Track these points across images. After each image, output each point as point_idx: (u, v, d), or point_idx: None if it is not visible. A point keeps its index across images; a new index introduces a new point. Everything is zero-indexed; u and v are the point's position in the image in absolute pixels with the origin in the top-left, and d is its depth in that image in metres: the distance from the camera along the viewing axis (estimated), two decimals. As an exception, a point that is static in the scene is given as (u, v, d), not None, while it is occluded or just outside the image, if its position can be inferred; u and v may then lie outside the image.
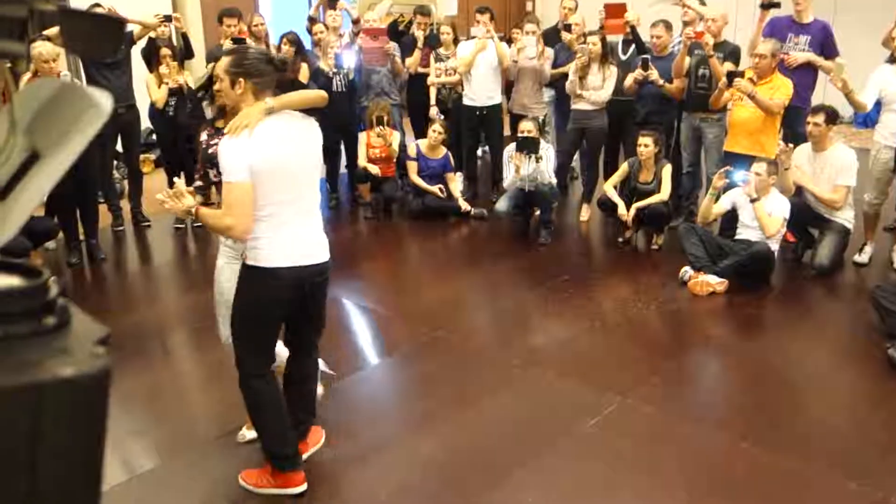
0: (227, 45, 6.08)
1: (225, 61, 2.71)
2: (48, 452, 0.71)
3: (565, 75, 6.41)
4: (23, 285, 0.77)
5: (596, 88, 6.15)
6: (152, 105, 6.08)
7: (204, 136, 3.11)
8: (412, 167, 6.61)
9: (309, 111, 2.85)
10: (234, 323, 2.86)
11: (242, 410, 3.52)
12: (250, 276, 2.74)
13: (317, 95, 3.00)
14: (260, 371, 2.88)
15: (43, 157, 0.81)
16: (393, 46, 6.83)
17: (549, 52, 6.78)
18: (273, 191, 2.64)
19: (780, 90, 5.30)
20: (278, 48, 6.37)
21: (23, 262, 0.83)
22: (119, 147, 6.36)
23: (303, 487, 2.96)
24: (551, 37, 7.00)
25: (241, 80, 2.66)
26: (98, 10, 5.29)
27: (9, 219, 0.80)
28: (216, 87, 2.78)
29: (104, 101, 0.83)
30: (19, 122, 0.81)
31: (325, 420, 3.58)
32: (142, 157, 6.75)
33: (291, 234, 2.73)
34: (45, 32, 5.14)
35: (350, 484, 3.09)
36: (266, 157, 2.59)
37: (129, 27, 5.84)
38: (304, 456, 3.12)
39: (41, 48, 4.78)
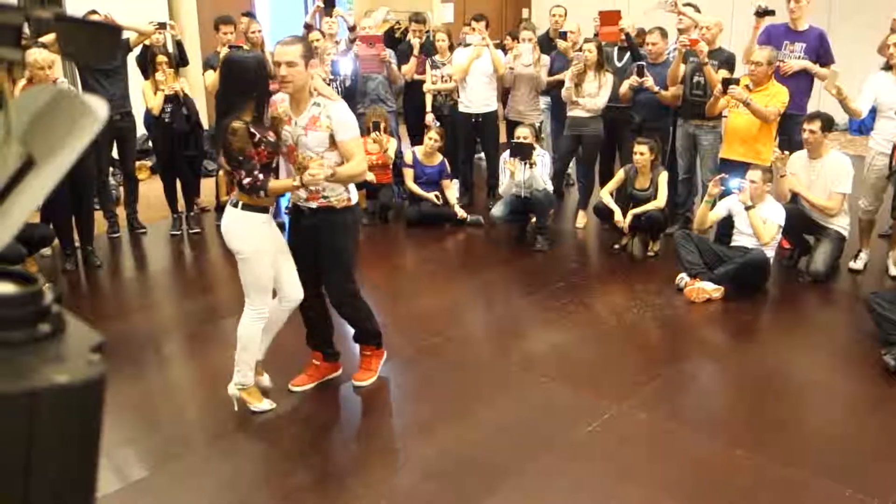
0: (224, 52, 6.09)
1: (298, 48, 3.22)
2: (43, 459, 0.71)
3: (561, 82, 6.42)
4: (17, 292, 0.77)
5: (592, 95, 6.17)
6: (148, 112, 6.07)
7: (257, 132, 3.27)
8: (408, 174, 6.61)
9: None
10: (346, 257, 3.54)
11: (235, 417, 3.52)
12: (353, 212, 3.51)
13: None
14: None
15: (38, 164, 0.81)
16: (389, 54, 6.84)
17: (545, 59, 6.80)
18: None
19: (775, 97, 5.31)
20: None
21: (17, 270, 0.83)
22: (115, 154, 6.36)
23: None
24: (543, 44, 7.02)
25: (311, 61, 3.28)
26: (94, 17, 5.29)
27: (4, 225, 0.80)
28: (284, 73, 3.22)
29: (100, 109, 0.83)
30: (15, 128, 0.81)
31: (324, 425, 3.58)
32: (137, 163, 6.74)
33: None
34: (41, 39, 5.13)
35: (348, 489, 3.08)
36: None
37: (125, 34, 5.84)
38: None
39: (36, 55, 4.78)
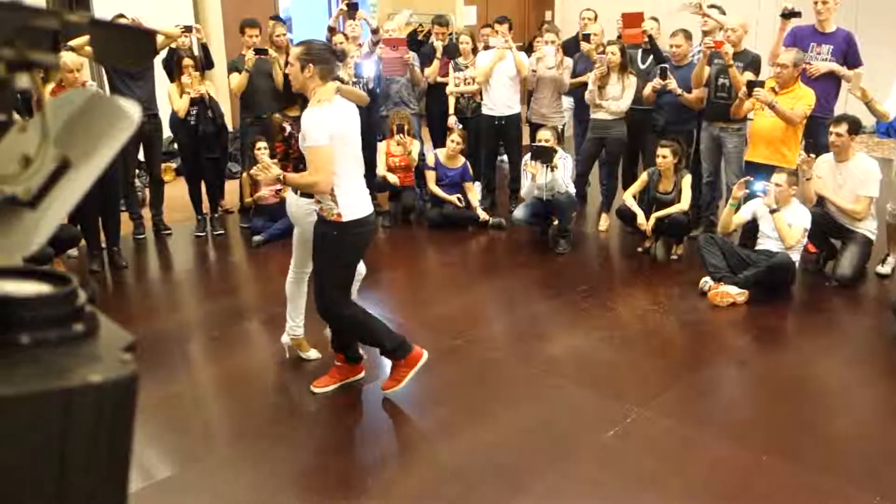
0: (250, 55, 6.16)
1: (297, 50, 3.34)
2: (77, 456, 0.72)
3: (584, 84, 6.41)
4: (52, 292, 0.78)
5: (615, 98, 6.14)
6: (174, 114, 6.14)
7: (288, 127, 3.83)
8: (431, 176, 6.62)
9: None
10: (325, 272, 3.49)
11: (258, 418, 3.55)
12: (344, 229, 3.37)
13: (363, 94, 4.33)
14: (348, 302, 3.60)
15: (74, 166, 0.82)
16: (412, 56, 6.86)
17: (568, 61, 6.78)
18: (342, 154, 3.32)
19: (802, 100, 5.26)
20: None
21: (52, 270, 0.84)
22: (141, 156, 6.43)
23: (426, 354, 3.70)
24: (572, 47, 7.01)
25: (310, 65, 3.28)
26: (122, 20, 5.36)
27: (41, 226, 0.82)
28: (287, 71, 3.41)
29: (133, 112, 0.84)
30: (51, 131, 0.83)
31: (346, 426, 3.59)
32: (163, 165, 6.81)
33: (361, 190, 3.46)
34: (70, 42, 5.21)
35: (369, 491, 3.09)
36: (339, 126, 3.30)
37: (153, 37, 5.90)
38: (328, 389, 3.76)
39: (65, 57, 4.84)
